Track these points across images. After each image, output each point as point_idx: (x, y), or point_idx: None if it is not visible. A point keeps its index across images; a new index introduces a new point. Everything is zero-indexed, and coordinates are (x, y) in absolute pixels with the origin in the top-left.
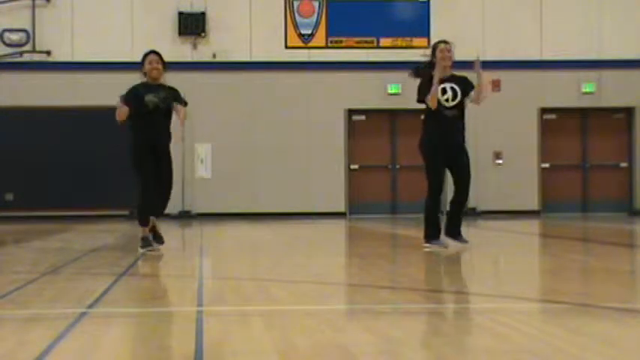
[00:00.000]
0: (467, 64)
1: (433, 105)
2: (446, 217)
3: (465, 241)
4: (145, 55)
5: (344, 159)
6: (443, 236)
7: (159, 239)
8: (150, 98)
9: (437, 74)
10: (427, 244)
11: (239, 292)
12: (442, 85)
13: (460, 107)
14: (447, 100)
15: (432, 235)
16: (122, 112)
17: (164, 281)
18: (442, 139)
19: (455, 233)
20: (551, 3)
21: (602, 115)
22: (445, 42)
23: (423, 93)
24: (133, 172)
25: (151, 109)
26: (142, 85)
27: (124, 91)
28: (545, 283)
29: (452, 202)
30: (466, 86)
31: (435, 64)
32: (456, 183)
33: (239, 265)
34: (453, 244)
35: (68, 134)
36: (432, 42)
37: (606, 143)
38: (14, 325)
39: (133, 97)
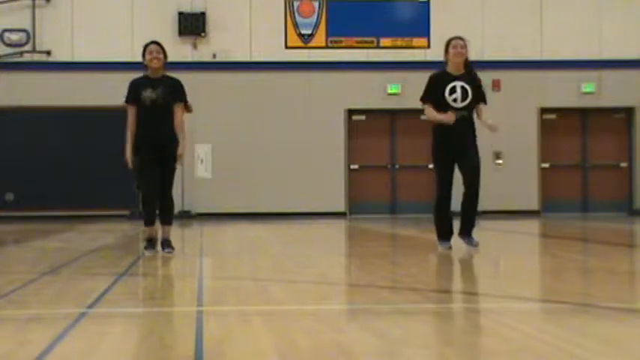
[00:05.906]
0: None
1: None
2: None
3: (473, 245)
4: (146, 46)
5: (344, 159)
6: (453, 237)
7: (161, 244)
8: (147, 94)
9: (441, 117)
10: (438, 245)
11: (239, 292)
12: (452, 84)
13: (471, 108)
14: (454, 100)
15: (439, 235)
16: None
17: (164, 281)
18: (447, 141)
19: (463, 233)
20: (551, 3)
21: (602, 115)
22: (460, 38)
23: (425, 94)
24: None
25: (148, 106)
26: (143, 78)
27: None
28: (546, 283)
29: (462, 201)
30: (477, 88)
31: (448, 60)
32: (463, 179)
33: (239, 265)
34: (464, 245)
35: (68, 134)
36: (432, 42)
37: (606, 143)
38: (14, 325)
39: (133, 93)
